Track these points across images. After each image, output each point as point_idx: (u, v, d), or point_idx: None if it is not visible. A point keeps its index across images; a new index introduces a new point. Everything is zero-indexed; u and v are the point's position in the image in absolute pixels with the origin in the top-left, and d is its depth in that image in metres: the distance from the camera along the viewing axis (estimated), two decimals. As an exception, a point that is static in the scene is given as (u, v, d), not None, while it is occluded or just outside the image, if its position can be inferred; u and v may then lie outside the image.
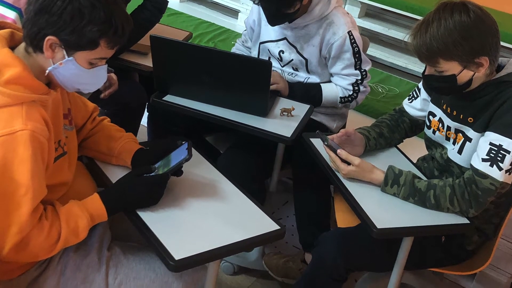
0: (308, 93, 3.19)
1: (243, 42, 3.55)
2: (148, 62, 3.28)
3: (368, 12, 5.39)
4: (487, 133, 2.33)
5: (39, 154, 1.85)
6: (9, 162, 1.78)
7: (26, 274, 2.04)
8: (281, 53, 3.24)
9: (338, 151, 2.50)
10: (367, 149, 2.69)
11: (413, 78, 4.95)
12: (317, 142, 2.70)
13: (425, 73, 2.41)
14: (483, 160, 2.30)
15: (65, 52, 1.91)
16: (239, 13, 5.77)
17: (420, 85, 2.74)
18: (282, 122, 2.87)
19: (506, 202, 2.51)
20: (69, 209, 1.96)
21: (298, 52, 3.19)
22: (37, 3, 1.85)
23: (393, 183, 2.43)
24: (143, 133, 3.58)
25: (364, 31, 5.04)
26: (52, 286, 2.05)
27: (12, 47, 1.95)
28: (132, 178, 2.12)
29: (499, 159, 2.27)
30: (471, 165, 2.35)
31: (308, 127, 2.93)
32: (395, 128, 2.80)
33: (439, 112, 2.58)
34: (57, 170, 2.01)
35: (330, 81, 3.25)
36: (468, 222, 2.38)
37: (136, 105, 3.45)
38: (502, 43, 2.37)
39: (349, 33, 3.09)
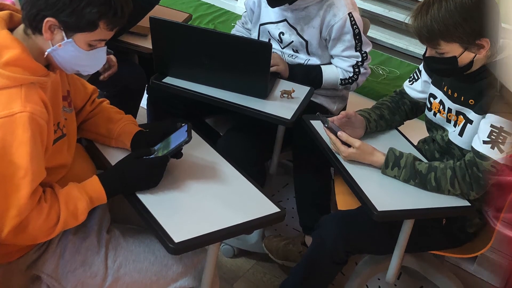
0: (308, 75, 3.17)
1: (243, 24, 3.52)
2: (147, 44, 3.27)
3: (369, -6, 5.36)
4: (488, 115, 2.32)
5: (38, 136, 1.84)
6: (8, 145, 1.78)
7: (25, 257, 2.04)
8: (281, 35, 3.22)
9: (339, 133, 2.49)
10: (368, 131, 2.69)
11: (414, 60, 4.91)
12: (317, 124, 2.69)
13: (426, 55, 2.40)
14: (484, 142, 2.29)
15: (64, 34, 1.90)
16: (239, -5, 5.74)
17: (421, 67, 2.73)
18: (282, 104, 2.86)
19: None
20: (68, 191, 1.95)
21: (298, 34, 3.17)
22: (36, -16, 1.84)
23: (393, 165, 2.42)
24: (142, 115, 3.57)
25: (364, 13, 5.00)
26: (51, 268, 2.05)
27: (11, 29, 1.94)
28: (132, 161, 2.12)
29: (500, 141, 2.26)
30: (472, 147, 2.35)
31: (308, 109, 2.91)
32: (395, 110, 2.80)
33: (440, 94, 2.57)
34: (56, 152, 2.00)
35: (330, 63, 3.23)
36: (469, 204, 2.38)
37: (135, 87, 3.44)
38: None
39: (350, 15, 3.07)
